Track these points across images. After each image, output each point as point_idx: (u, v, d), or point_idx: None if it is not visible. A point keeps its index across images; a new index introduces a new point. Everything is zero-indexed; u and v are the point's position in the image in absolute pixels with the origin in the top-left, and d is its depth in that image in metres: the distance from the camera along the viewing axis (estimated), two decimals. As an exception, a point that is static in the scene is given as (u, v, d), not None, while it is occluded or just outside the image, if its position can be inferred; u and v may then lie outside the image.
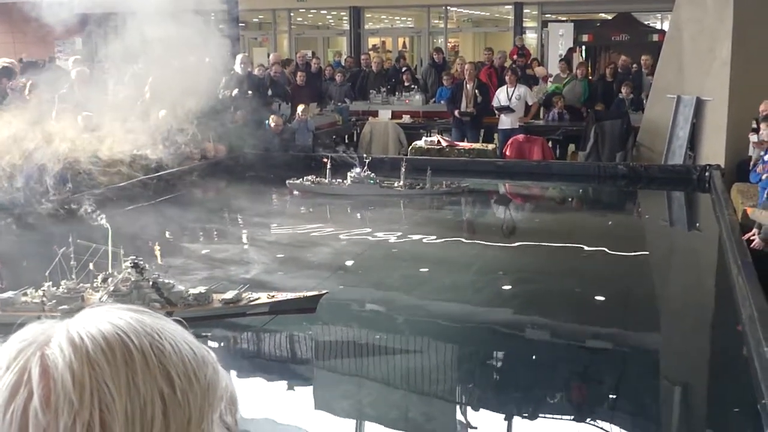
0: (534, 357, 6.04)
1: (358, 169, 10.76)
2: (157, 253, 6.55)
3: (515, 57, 17.19)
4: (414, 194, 10.81)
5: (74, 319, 0.89)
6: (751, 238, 7.19)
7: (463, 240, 8.82)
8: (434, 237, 8.84)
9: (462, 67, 14.99)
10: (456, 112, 14.01)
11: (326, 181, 10.90)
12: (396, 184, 10.81)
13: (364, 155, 11.59)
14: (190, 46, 9.74)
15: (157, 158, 10.98)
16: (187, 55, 10.16)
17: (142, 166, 10.89)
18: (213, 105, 12.83)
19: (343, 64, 18.97)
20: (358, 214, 10.53)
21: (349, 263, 8.01)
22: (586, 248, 8.33)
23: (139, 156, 10.55)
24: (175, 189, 10.83)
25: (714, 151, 11.47)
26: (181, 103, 11.05)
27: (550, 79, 16.42)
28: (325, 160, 11.09)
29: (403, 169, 10.69)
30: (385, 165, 11.51)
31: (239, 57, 14.30)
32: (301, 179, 11.10)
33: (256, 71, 14.65)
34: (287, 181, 11.19)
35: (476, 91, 13.98)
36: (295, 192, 11.13)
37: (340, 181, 10.91)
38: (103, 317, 0.88)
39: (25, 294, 5.99)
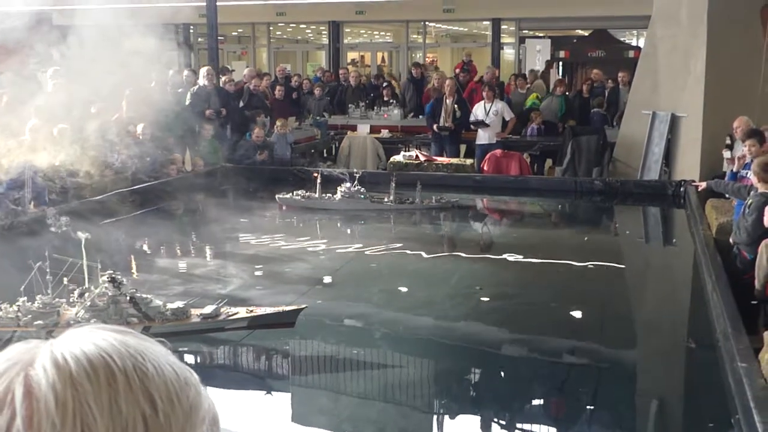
0: (511, 371, 6.06)
1: (348, 184, 10.77)
2: (133, 266, 6.51)
3: (458, 71, 17.17)
4: (403, 209, 10.85)
5: (59, 340, 0.89)
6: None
7: (442, 254, 8.84)
8: (412, 251, 8.86)
9: (438, 82, 15.01)
10: (435, 127, 14.08)
11: (316, 195, 10.88)
12: (386, 199, 10.84)
13: (355, 170, 11.59)
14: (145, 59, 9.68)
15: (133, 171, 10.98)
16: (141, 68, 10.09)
17: (120, 179, 10.88)
18: (185, 118, 12.86)
19: (321, 77, 19.00)
20: (343, 229, 10.51)
21: (327, 278, 8.00)
22: (562, 263, 8.38)
23: (119, 169, 10.54)
24: (151, 203, 10.77)
25: (689, 167, 11.59)
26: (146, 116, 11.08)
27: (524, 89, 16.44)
28: (315, 174, 11.09)
29: (392, 184, 10.71)
30: (365, 179, 11.47)
31: (203, 70, 14.29)
32: (291, 194, 11.08)
33: (226, 85, 14.58)
34: (277, 196, 11.15)
35: (455, 106, 14.06)
36: (284, 207, 11.08)
37: (330, 195, 10.90)
38: (88, 338, 0.89)
39: None
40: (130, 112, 11.69)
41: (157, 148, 11.64)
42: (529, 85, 16.86)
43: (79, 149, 10.12)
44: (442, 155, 13.87)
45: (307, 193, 11.00)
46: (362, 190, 10.78)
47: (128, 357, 0.87)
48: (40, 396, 0.82)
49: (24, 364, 0.86)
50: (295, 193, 11.08)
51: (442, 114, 14.04)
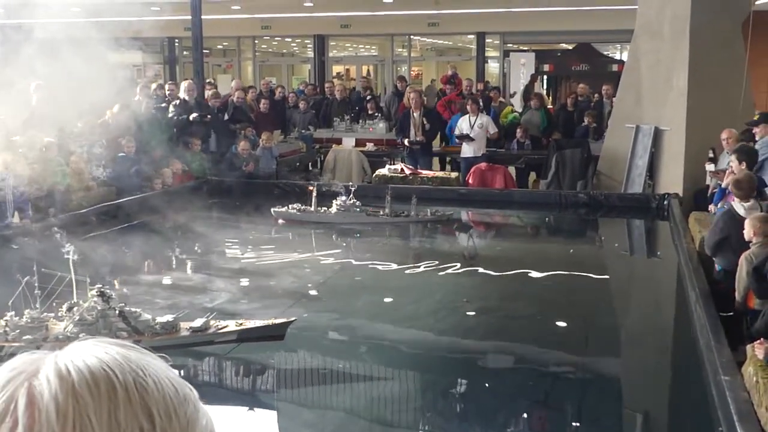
0: (497, 384, 6.07)
1: (344, 197, 10.78)
2: (116, 282, 6.50)
3: (446, 85, 17.24)
4: (399, 222, 10.87)
5: (63, 352, 0.91)
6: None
7: (426, 267, 8.86)
8: (397, 264, 8.88)
9: (410, 97, 15.05)
10: (406, 141, 14.17)
11: (312, 209, 10.88)
12: (381, 212, 10.86)
13: (350, 183, 11.61)
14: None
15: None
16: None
17: (105, 193, 10.86)
18: (170, 131, 12.89)
19: (304, 91, 19.05)
20: (336, 241, 10.50)
21: (313, 291, 8.00)
22: (547, 275, 8.41)
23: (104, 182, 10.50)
24: (137, 216, 10.73)
25: (672, 180, 11.68)
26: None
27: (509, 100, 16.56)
28: (311, 188, 11.06)
29: (388, 198, 10.73)
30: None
31: (184, 83, 14.30)
32: (286, 207, 11.07)
33: (210, 101, 14.60)
34: (272, 209, 11.13)
35: (423, 118, 14.13)
36: (281, 220, 11.07)
37: (326, 209, 10.90)
38: (91, 351, 0.91)
39: None
40: (115, 126, 11.67)
41: (143, 161, 11.64)
42: (501, 99, 16.98)
43: (64, 162, 10.12)
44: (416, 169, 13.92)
45: (303, 207, 10.99)
46: (358, 203, 10.80)
47: (129, 371, 0.89)
48: (42, 406, 0.84)
49: (28, 374, 0.88)
50: (290, 206, 11.08)
51: (411, 128, 14.11)
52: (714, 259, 7.39)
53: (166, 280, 8.33)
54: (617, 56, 23.66)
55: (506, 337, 6.94)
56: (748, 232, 6.49)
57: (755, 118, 10.39)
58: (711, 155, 10.38)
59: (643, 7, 12.79)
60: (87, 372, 0.87)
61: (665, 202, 11.28)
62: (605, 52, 23.54)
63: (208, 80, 18.62)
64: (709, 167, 10.33)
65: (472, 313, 7.46)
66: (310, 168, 15.95)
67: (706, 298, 6.40)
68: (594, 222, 12.23)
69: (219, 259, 9.49)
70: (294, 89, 20.77)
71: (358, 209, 10.79)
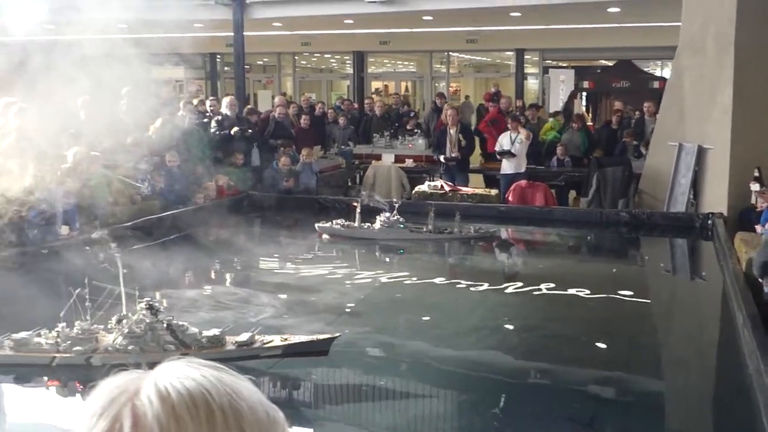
0: (538, 405, 6.01)
1: (387, 213, 10.81)
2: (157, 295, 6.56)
3: (489, 103, 17.19)
4: (442, 239, 10.87)
5: (160, 372, 0.94)
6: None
7: (467, 285, 8.82)
8: (438, 281, 8.86)
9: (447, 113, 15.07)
10: (441, 158, 14.19)
11: (356, 224, 10.92)
12: (424, 229, 10.86)
13: (393, 200, 11.63)
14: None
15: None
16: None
17: (149, 206, 11.01)
18: (212, 146, 13.05)
19: (341, 106, 19.20)
20: (380, 258, 10.53)
21: (354, 307, 8.01)
22: (589, 295, 8.34)
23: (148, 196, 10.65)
24: (180, 229, 10.85)
25: (716, 199, 11.52)
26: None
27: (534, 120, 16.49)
28: (355, 204, 11.12)
29: (431, 214, 10.74)
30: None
31: (226, 99, 14.48)
32: (330, 222, 11.12)
33: (251, 116, 14.75)
34: (316, 225, 11.18)
35: (460, 135, 14.14)
36: (325, 235, 11.12)
37: (369, 225, 10.93)
38: (187, 373, 0.94)
39: (39, 335, 5.99)
40: (158, 140, 11.84)
41: (187, 175, 11.79)
42: (540, 116, 16.92)
43: (110, 176, 10.28)
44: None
45: (347, 222, 11.04)
46: (401, 219, 10.82)
47: (225, 395, 0.92)
48: (146, 426, 0.87)
49: (130, 394, 0.91)
50: (334, 221, 11.13)
51: (447, 144, 14.13)
52: (761, 281, 7.26)
53: (209, 294, 8.39)
54: (658, 73, 23.46)
55: (548, 357, 6.87)
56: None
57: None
58: (756, 174, 10.24)
59: (686, 23, 12.68)
60: (186, 394, 0.90)
61: (709, 222, 11.13)
62: (646, 69, 23.36)
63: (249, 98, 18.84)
64: (755, 187, 10.19)
65: (514, 332, 7.41)
66: (350, 184, 16.01)
67: (755, 321, 6.29)
68: (636, 241, 12.10)
69: (261, 273, 9.56)
70: (333, 105, 20.92)
71: (401, 225, 10.80)
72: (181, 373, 0.93)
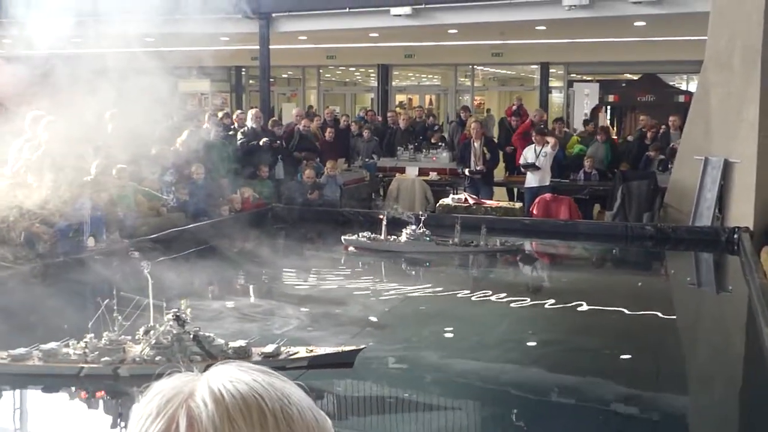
0: (562, 420, 5.99)
1: (413, 226, 10.84)
2: (182, 304, 6.60)
3: (510, 117, 17.16)
4: (468, 251, 10.87)
5: (213, 375, 0.97)
6: None
7: (492, 298, 8.82)
8: (463, 294, 8.86)
9: (471, 127, 15.08)
10: (466, 171, 14.20)
11: (382, 237, 10.95)
12: (450, 242, 10.87)
13: (420, 213, 11.66)
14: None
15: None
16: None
17: (175, 218, 11.11)
18: (237, 158, 13.17)
19: (364, 117, 19.25)
20: (407, 271, 10.56)
21: (379, 320, 8.03)
22: (614, 309, 8.30)
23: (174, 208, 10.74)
24: (206, 241, 10.93)
25: (742, 214, 11.44)
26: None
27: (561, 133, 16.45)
28: (381, 216, 11.15)
29: (457, 227, 10.75)
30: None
31: (251, 112, 14.59)
32: (356, 235, 11.16)
33: (275, 128, 14.86)
34: (342, 237, 11.22)
35: (484, 148, 14.15)
36: (351, 248, 11.15)
37: (396, 237, 10.95)
38: (239, 376, 0.96)
39: (67, 345, 6.07)
40: (184, 152, 11.96)
41: (212, 187, 11.89)
42: (566, 129, 16.84)
43: (136, 188, 10.39)
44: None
45: (373, 235, 11.07)
46: (427, 232, 10.83)
47: (276, 400, 0.95)
48: (201, 428, 0.90)
49: (185, 395, 0.94)
50: (360, 234, 11.17)
51: (472, 158, 14.14)
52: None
53: (235, 305, 8.45)
54: (684, 87, 23.32)
55: (572, 371, 6.84)
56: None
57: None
58: (784, 189, 10.17)
59: (712, 38, 12.62)
60: (239, 397, 0.93)
61: (735, 236, 11.05)
62: (671, 83, 23.24)
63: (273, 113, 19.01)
64: (782, 201, 10.11)
65: (538, 346, 7.40)
66: (373, 197, 16.07)
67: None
68: (661, 255, 12.03)
69: (286, 285, 9.60)
70: (355, 117, 21.01)
71: (427, 238, 10.81)
72: (234, 377, 0.96)
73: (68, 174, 9.07)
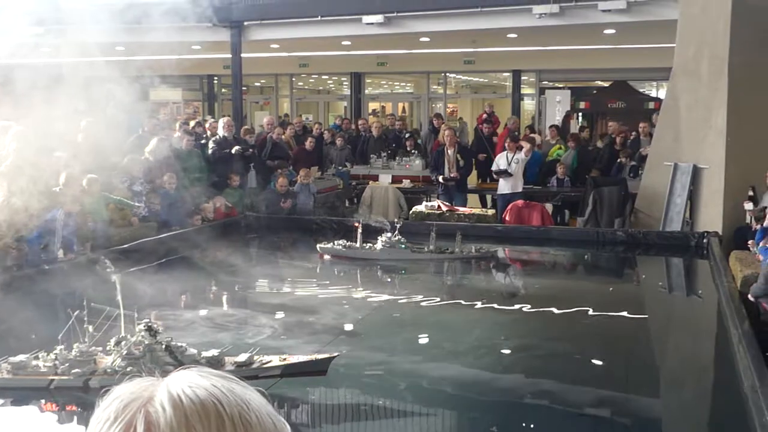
0: (535, 424, 6.03)
1: (389, 234, 10.84)
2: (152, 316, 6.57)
3: (482, 124, 17.26)
4: (443, 258, 10.89)
5: (173, 380, 0.97)
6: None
7: (465, 304, 8.85)
8: (436, 301, 8.89)
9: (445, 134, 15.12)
10: (440, 178, 14.25)
11: (357, 245, 10.95)
12: (425, 249, 10.89)
13: (395, 220, 11.68)
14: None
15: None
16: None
17: (146, 228, 11.03)
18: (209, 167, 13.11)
19: (340, 126, 19.27)
20: (378, 277, 10.56)
21: (352, 327, 8.02)
22: (586, 314, 8.36)
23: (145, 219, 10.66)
24: (177, 251, 10.87)
25: (711, 219, 11.59)
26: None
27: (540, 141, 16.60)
28: (357, 224, 11.14)
29: (433, 234, 10.77)
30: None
31: (222, 120, 14.55)
32: (332, 243, 11.14)
33: (246, 136, 14.82)
34: (318, 245, 11.19)
35: (458, 155, 14.21)
36: (326, 256, 11.13)
37: (371, 245, 10.96)
38: (199, 382, 0.97)
39: (37, 357, 5.98)
40: (154, 161, 11.89)
41: (183, 196, 11.82)
42: (534, 135, 16.99)
43: (107, 198, 10.31)
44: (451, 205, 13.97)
45: (348, 243, 11.06)
46: (403, 240, 10.84)
47: (235, 405, 0.95)
48: None
49: (144, 400, 0.94)
50: (336, 242, 11.15)
51: (446, 165, 14.20)
52: (759, 300, 7.29)
53: (207, 315, 8.40)
54: (654, 93, 23.60)
55: (545, 375, 6.88)
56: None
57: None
58: (750, 194, 10.31)
59: (680, 46, 12.79)
60: (198, 402, 0.93)
61: (704, 241, 11.19)
62: (641, 90, 23.51)
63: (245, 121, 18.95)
64: (748, 206, 10.25)
65: (511, 351, 7.43)
66: (347, 204, 16.07)
67: (750, 339, 6.32)
68: (632, 260, 12.15)
69: (259, 294, 9.58)
70: (330, 126, 21.01)
71: (402, 246, 10.82)
72: (194, 382, 0.96)
73: (38, 185, 8.97)
